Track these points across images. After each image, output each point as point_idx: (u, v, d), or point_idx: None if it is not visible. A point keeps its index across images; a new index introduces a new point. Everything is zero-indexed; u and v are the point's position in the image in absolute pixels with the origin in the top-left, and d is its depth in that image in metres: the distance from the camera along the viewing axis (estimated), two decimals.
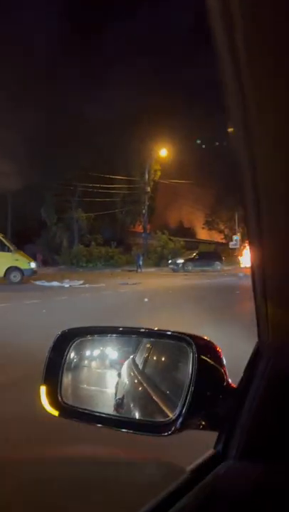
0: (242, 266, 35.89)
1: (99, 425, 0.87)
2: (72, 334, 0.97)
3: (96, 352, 1.01)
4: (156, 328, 0.92)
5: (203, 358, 0.75)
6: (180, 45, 42.56)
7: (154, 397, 0.89)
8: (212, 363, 0.76)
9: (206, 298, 12.78)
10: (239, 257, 38.51)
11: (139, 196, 34.85)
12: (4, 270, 17.73)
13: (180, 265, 28.03)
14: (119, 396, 0.93)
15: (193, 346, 0.76)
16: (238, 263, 36.97)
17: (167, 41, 42.20)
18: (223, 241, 40.24)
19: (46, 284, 17.50)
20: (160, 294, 13.92)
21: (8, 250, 18.26)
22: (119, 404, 0.92)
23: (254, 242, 0.56)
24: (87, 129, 30.38)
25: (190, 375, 0.74)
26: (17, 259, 18.17)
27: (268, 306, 0.63)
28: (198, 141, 36.24)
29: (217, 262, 29.75)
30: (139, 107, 32.31)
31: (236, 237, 37.40)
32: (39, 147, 27.54)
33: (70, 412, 0.88)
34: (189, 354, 0.76)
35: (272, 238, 0.53)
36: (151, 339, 0.97)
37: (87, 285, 17.12)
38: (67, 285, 17.26)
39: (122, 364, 0.98)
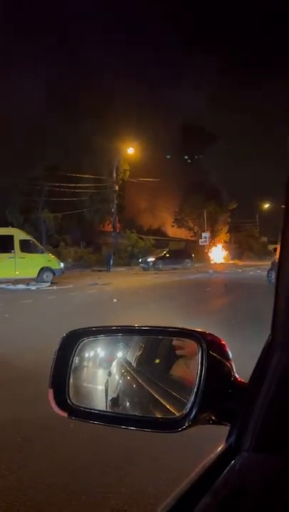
0: (212, 262, 36.41)
1: (112, 425, 0.87)
2: (78, 335, 0.96)
3: (96, 354, 1.01)
4: (163, 326, 0.92)
5: (212, 353, 0.76)
6: (150, 43, 42.48)
7: (154, 394, 0.88)
8: (220, 358, 0.77)
9: (176, 296, 12.63)
10: (209, 254, 38.99)
11: (107, 195, 34.40)
12: (38, 271, 18.12)
13: (150, 264, 27.88)
14: (114, 395, 0.93)
15: (203, 343, 0.77)
16: (208, 260, 37.41)
17: (137, 38, 42.01)
18: (193, 238, 40.49)
19: (12, 287, 16.88)
20: (130, 293, 13.66)
21: (42, 252, 18.93)
22: (115, 404, 0.92)
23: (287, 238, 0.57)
24: (53, 127, 29.74)
25: (199, 371, 0.74)
26: (49, 260, 18.79)
27: None
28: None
29: (187, 260, 29.78)
30: (106, 105, 31.96)
31: (205, 235, 37.75)
32: (2, 146, 26.65)
33: (79, 412, 0.88)
34: (198, 350, 0.77)
35: None
36: (158, 337, 0.96)
37: (54, 287, 16.64)
38: (33, 287, 16.71)
39: (118, 363, 0.98)
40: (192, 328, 0.82)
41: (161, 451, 2.84)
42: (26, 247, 18.26)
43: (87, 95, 32.33)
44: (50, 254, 19.49)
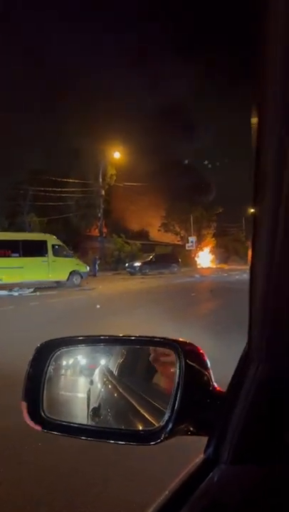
0: (199, 267, 36.42)
1: (86, 438, 0.85)
2: (53, 345, 0.92)
3: (76, 362, 0.97)
4: (141, 335, 0.89)
5: (190, 363, 0.75)
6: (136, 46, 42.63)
7: (134, 404, 0.86)
8: (198, 367, 0.75)
9: (161, 302, 12.44)
10: (196, 258, 39.00)
11: (93, 200, 34.19)
12: (68, 274, 18.94)
13: (137, 268, 27.69)
14: (95, 405, 0.91)
15: (181, 352, 0.75)
16: (195, 264, 37.41)
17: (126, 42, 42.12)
18: (180, 243, 40.45)
19: None
20: (114, 299, 13.45)
21: (71, 256, 19.94)
22: (96, 414, 0.89)
23: (261, 243, 0.57)
24: (38, 130, 29.47)
25: (177, 381, 0.73)
26: (77, 264, 19.78)
27: (267, 312, 0.63)
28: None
29: (174, 264, 29.66)
30: (93, 109, 31.83)
31: (192, 239, 37.77)
32: None
33: (53, 425, 0.86)
34: (176, 360, 0.75)
35: (284, 243, 0.54)
36: (136, 346, 0.94)
37: (37, 293, 16.32)
38: (16, 293, 16.37)
39: (100, 372, 0.95)
40: (171, 338, 0.80)
41: (144, 459, 2.71)
42: (57, 251, 19.13)
43: (72, 99, 32.15)
44: (77, 259, 20.36)
